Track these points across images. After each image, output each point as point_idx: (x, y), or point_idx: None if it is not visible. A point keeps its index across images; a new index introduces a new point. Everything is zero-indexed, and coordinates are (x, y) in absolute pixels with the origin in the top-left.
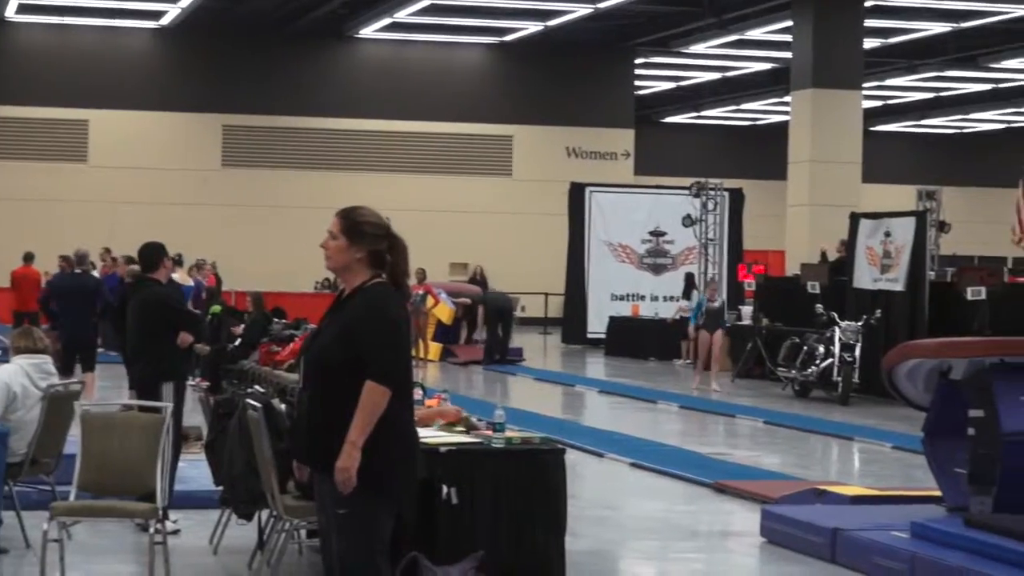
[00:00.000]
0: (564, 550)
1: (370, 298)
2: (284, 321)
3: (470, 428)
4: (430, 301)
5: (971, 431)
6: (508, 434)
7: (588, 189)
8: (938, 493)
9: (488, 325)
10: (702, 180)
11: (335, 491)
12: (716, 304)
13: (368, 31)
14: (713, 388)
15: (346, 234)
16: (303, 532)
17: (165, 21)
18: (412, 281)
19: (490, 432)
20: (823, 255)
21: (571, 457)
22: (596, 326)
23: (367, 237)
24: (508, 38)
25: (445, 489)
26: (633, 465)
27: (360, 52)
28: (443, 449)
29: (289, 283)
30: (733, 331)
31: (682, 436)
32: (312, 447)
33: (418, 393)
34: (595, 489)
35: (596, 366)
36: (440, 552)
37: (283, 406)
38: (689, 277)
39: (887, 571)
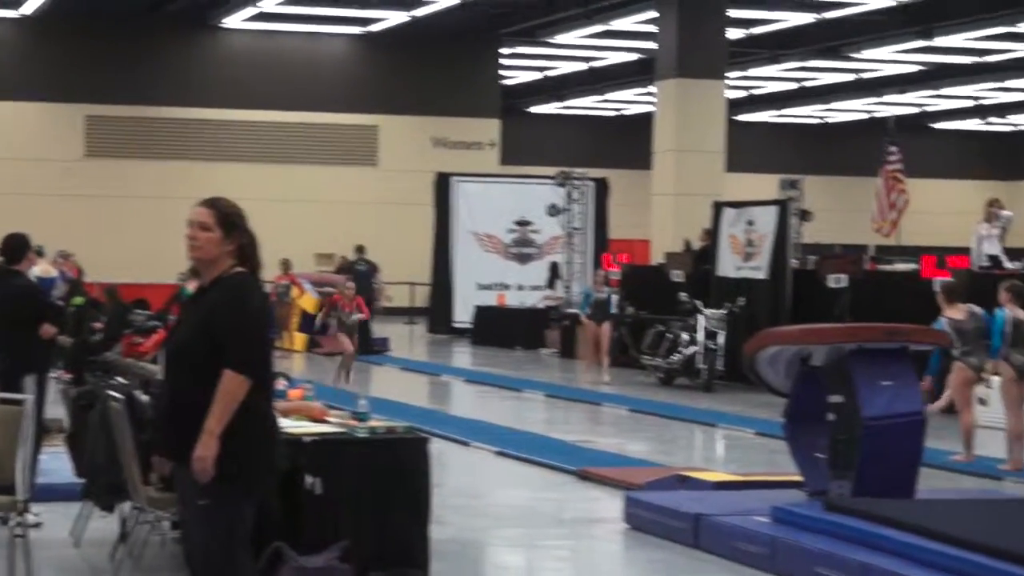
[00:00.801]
0: (428, 538)
1: (231, 288)
2: (147, 312)
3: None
4: (295, 291)
5: (831, 416)
6: (372, 423)
7: (454, 179)
8: (799, 478)
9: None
10: (567, 169)
11: (195, 482)
12: (603, 294)
13: (233, 21)
14: (603, 380)
15: (221, 226)
16: (166, 524)
17: (27, 10)
18: (277, 272)
19: (354, 422)
20: (687, 244)
21: (437, 446)
22: (462, 315)
23: (239, 229)
24: (374, 28)
25: (309, 479)
26: (498, 453)
27: (225, 42)
28: (306, 439)
29: (153, 274)
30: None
31: (547, 424)
32: (172, 438)
33: (282, 383)
34: (461, 478)
35: (462, 355)
36: (304, 542)
37: (146, 398)
38: (554, 266)
39: (748, 555)
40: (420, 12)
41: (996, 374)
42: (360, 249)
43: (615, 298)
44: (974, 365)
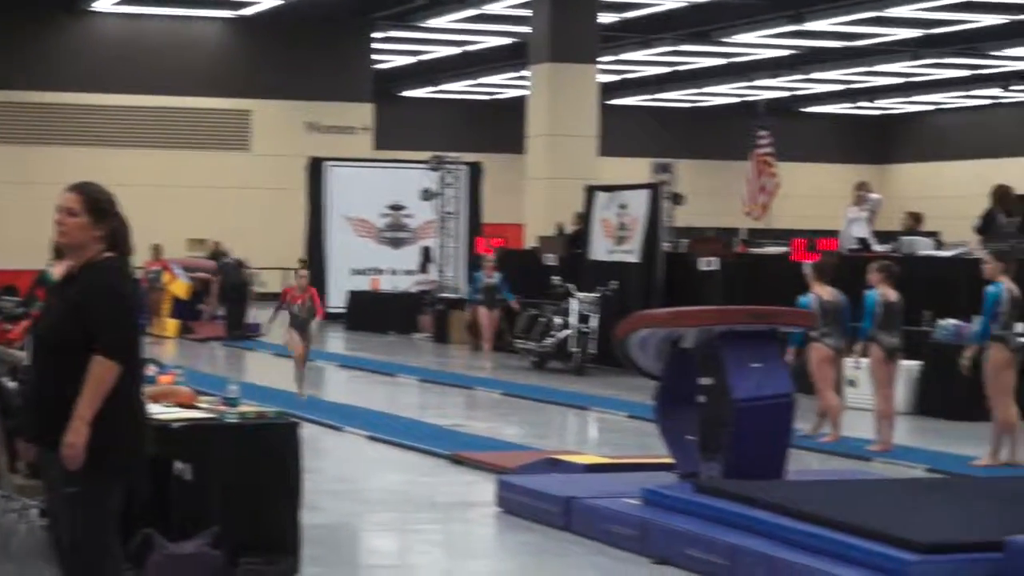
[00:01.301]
0: (300, 524)
1: (99, 273)
2: (15, 299)
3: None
4: (166, 277)
5: (701, 399)
6: (242, 409)
7: (327, 163)
8: (671, 461)
9: (224, 300)
10: (441, 154)
11: (64, 469)
12: (493, 280)
13: (103, 4)
14: (486, 365)
15: (90, 212)
16: (34, 511)
17: None
18: (148, 257)
19: (224, 407)
20: (560, 228)
21: (310, 431)
22: (336, 300)
23: (108, 215)
24: (246, 11)
25: (178, 465)
26: (371, 438)
27: (94, 25)
28: (175, 425)
29: (23, 260)
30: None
31: (421, 408)
32: (40, 424)
33: (152, 369)
34: (334, 463)
35: (336, 340)
36: (174, 529)
37: (13, 384)
38: (425, 251)
39: (619, 538)
40: None
41: (865, 355)
42: (220, 249)
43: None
44: (832, 345)
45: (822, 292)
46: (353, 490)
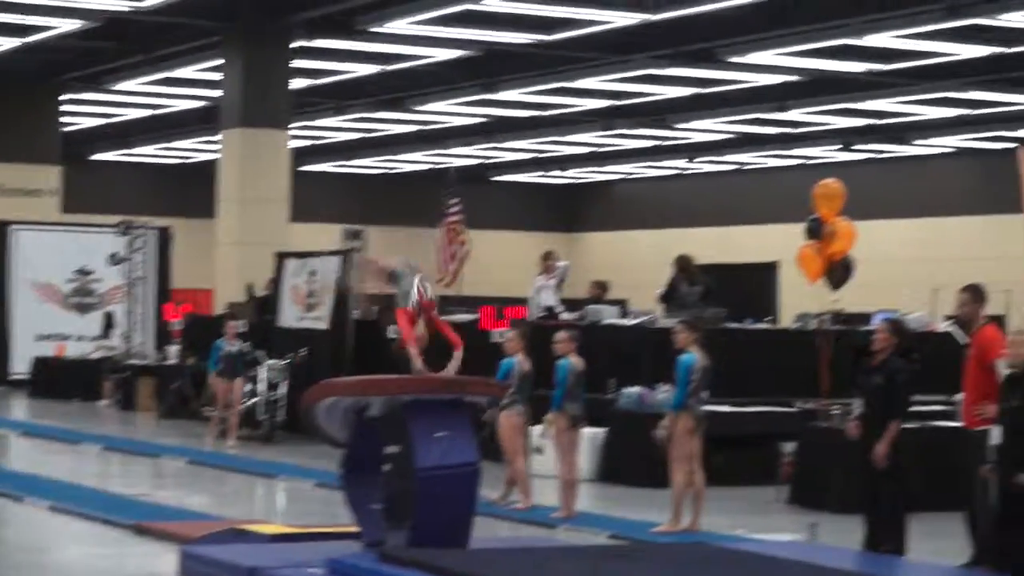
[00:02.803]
0: None
1: None
2: None
3: None
4: None
5: (387, 467)
6: None
7: (11, 227)
8: (357, 529)
9: None
10: (129, 218)
11: None
12: (234, 347)
13: None
14: (229, 443)
15: None
16: None
17: None
18: None
19: None
20: (249, 289)
21: None
22: (20, 367)
23: None
24: None
25: None
26: (53, 509)
27: None
28: None
29: None
30: (161, 371)
31: (104, 477)
32: None
33: None
34: (15, 533)
35: (19, 408)
36: None
37: None
38: (107, 316)
39: None
40: None
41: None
42: None
43: (173, 348)
44: (521, 413)
45: (523, 360)
46: (35, 563)
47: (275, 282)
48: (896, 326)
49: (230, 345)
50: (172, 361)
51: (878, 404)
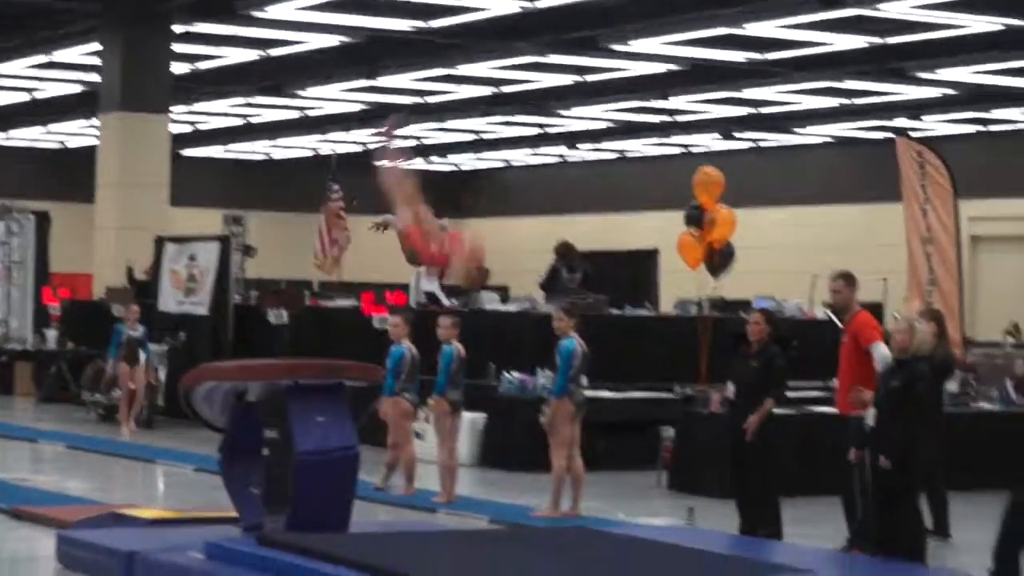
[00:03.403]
0: None
1: None
2: None
3: None
4: None
5: (266, 452)
6: None
7: None
8: (236, 514)
9: None
10: (7, 202)
11: None
12: (137, 333)
13: None
14: (128, 429)
15: None
16: None
17: None
18: None
19: None
20: (130, 271)
21: None
22: None
23: None
24: None
25: None
26: None
27: None
28: None
29: None
30: (39, 356)
31: None
32: None
33: None
34: None
35: None
36: None
37: None
38: None
39: None
40: None
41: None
42: None
43: (52, 333)
44: (411, 400)
45: (411, 346)
46: None
47: (155, 267)
48: (769, 315)
49: (132, 330)
50: (50, 346)
51: (751, 391)
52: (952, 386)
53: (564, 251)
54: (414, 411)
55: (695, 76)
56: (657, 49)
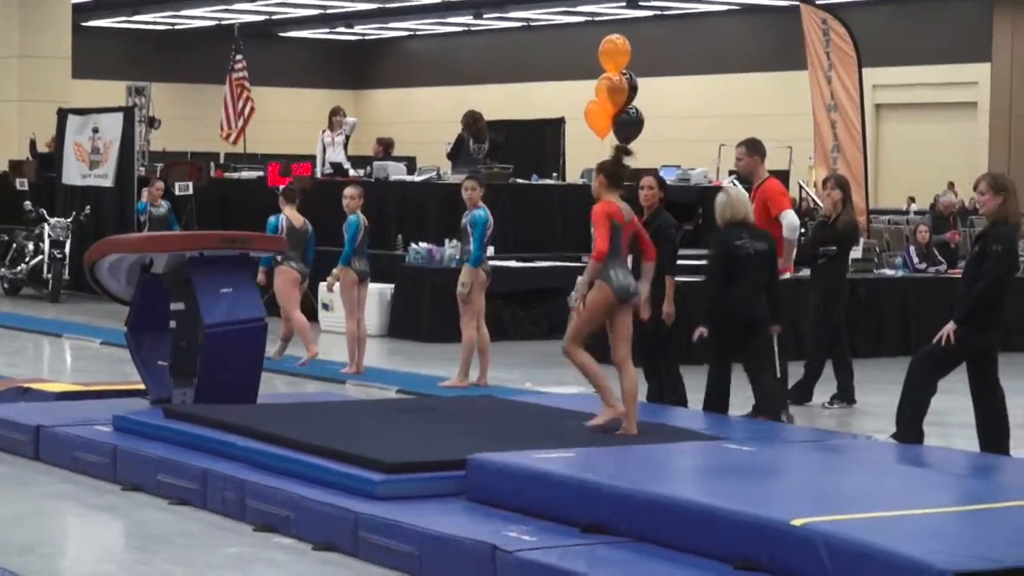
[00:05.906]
0: None
1: None
2: None
3: None
4: None
5: (172, 324)
6: None
7: None
8: (144, 387)
9: None
10: None
11: None
12: (162, 210)
13: None
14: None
15: None
16: None
17: None
18: None
19: None
20: (32, 144)
21: None
22: None
23: None
24: None
25: None
26: None
27: None
28: None
29: None
30: None
31: None
32: None
33: None
34: None
35: None
36: None
37: None
38: None
39: (89, 464)
40: None
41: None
42: None
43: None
44: (297, 268)
45: (291, 216)
46: None
47: (58, 139)
48: (661, 180)
49: (155, 207)
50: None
51: None
52: (856, 252)
53: (471, 121)
54: (300, 280)
55: None
56: None
